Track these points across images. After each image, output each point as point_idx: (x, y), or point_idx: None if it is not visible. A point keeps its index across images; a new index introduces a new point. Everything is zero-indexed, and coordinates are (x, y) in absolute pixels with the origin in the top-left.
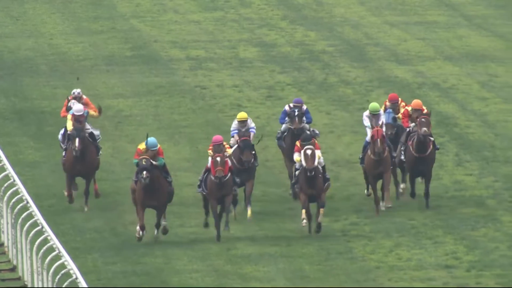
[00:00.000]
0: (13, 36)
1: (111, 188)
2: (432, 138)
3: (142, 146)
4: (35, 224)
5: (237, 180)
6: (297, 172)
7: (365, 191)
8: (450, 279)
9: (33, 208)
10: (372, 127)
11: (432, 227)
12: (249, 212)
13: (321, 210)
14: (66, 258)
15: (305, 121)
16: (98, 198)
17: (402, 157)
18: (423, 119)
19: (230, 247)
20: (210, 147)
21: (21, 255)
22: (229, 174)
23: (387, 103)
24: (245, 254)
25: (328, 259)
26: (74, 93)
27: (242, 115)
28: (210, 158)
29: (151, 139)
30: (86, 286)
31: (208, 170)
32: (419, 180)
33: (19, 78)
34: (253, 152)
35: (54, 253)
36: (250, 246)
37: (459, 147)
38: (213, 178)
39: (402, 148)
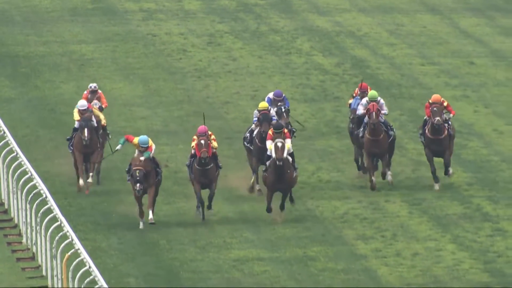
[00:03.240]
0: None
1: (75, 122)
2: (447, 125)
3: (135, 140)
4: (11, 151)
5: (220, 165)
6: (267, 162)
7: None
8: (363, 197)
9: (9, 137)
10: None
11: (348, 154)
12: None
13: (282, 214)
14: (37, 180)
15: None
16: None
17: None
18: (435, 108)
19: (177, 170)
20: (194, 138)
21: None
22: (212, 164)
23: (358, 91)
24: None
25: (259, 182)
26: (91, 87)
27: (263, 104)
28: (193, 145)
29: (143, 137)
30: (55, 204)
31: (193, 156)
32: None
33: None
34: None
35: (27, 176)
36: None
37: (371, 86)
38: (197, 166)
39: (420, 132)
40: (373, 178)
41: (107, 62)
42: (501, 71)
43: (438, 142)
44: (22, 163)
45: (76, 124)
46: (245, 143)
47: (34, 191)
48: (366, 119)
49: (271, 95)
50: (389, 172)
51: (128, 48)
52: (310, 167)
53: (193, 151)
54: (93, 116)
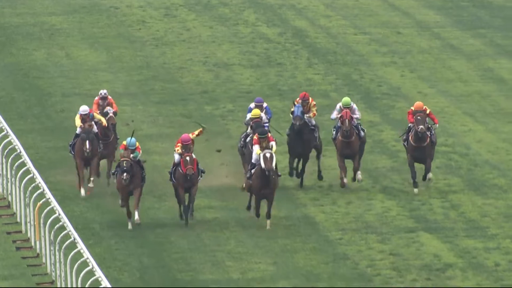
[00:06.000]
0: None
1: (46, 85)
2: (429, 133)
3: (124, 142)
4: None
5: (202, 169)
6: (253, 171)
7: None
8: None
9: None
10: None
11: (289, 113)
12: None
13: (268, 222)
14: (12, 137)
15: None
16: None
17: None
18: (418, 117)
19: (137, 128)
20: (178, 145)
21: None
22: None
23: (299, 101)
24: (147, 133)
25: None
26: (101, 93)
27: (255, 112)
28: (176, 155)
29: (132, 140)
30: (28, 158)
31: (176, 165)
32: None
33: None
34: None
35: (3, 133)
36: (152, 128)
37: (310, 53)
38: (181, 171)
39: (403, 138)
40: (344, 177)
41: (74, 31)
42: (425, 40)
43: (421, 149)
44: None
45: (78, 130)
46: (240, 148)
47: (10, 147)
48: (338, 123)
49: (252, 105)
50: (358, 172)
51: (93, 19)
52: None
53: (176, 160)
54: (94, 126)
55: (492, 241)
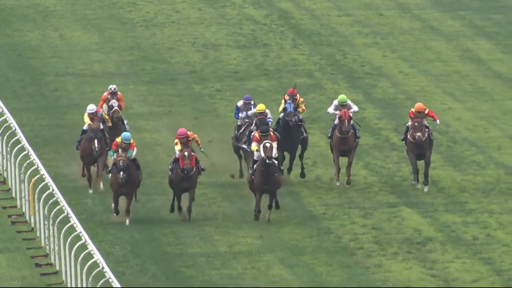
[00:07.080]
0: None
1: (40, 65)
2: (428, 130)
3: (119, 139)
4: None
5: (202, 167)
6: (255, 166)
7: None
8: None
9: None
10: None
11: (275, 93)
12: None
13: (269, 212)
14: (8, 115)
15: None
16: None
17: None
18: (416, 124)
19: (128, 106)
20: (176, 141)
21: None
22: (195, 169)
23: (287, 97)
24: (138, 112)
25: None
26: (110, 88)
27: (260, 107)
28: (177, 151)
29: (126, 134)
30: (22, 135)
31: (175, 161)
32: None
33: None
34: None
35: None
36: (142, 107)
37: (295, 34)
38: (180, 171)
39: (402, 138)
40: (337, 173)
41: (67, 13)
42: (406, 21)
43: (420, 145)
44: None
45: (85, 127)
46: (241, 145)
47: (5, 125)
48: (335, 121)
49: (240, 102)
50: (348, 171)
51: (86, 1)
52: None
53: (177, 155)
54: (101, 124)
55: (470, 215)
